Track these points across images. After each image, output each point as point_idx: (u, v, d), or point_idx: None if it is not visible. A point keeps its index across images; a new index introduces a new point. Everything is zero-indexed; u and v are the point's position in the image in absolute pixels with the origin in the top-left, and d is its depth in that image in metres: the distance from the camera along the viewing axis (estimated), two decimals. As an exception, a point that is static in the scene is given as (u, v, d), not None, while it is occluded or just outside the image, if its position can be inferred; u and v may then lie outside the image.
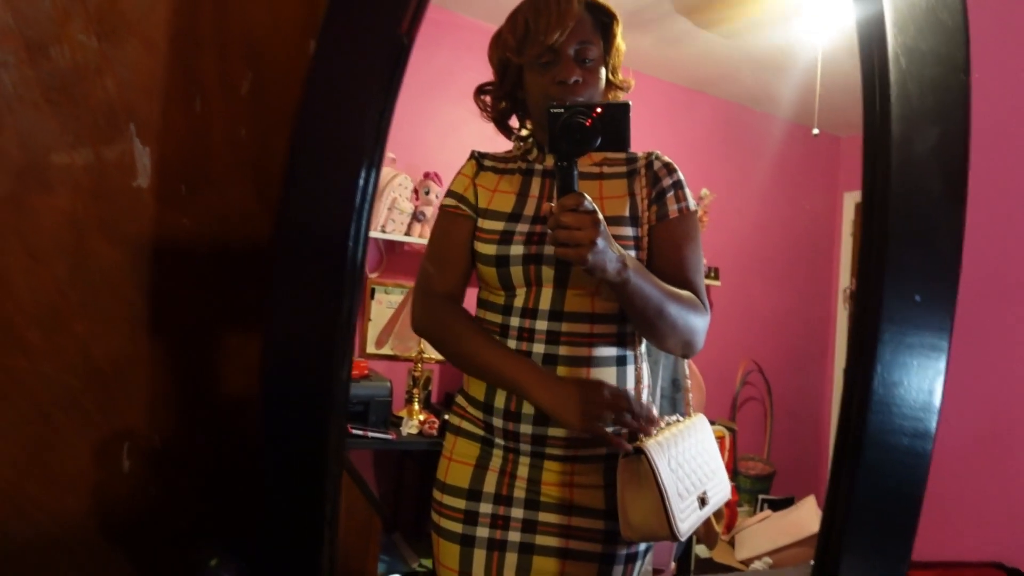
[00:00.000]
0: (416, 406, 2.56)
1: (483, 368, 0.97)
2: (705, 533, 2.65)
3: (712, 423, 3.21)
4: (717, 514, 2.64)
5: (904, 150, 0.50)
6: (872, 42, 0.51)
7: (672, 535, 0.87)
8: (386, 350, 2.69)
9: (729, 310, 3.59)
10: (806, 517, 2.96)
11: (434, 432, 2.46)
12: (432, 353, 2.68)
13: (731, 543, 3.10)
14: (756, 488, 3.57)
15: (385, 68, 0.67)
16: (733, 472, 3.45)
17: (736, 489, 3.34)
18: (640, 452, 0.89)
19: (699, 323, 0.96)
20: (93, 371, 0.78)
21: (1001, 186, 0.92)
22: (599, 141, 0.78)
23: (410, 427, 2.49)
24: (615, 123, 0.79)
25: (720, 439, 3.43)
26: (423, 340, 2.56)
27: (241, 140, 0.82)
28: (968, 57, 0.50)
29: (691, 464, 0.94)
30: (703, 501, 0.94)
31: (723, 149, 3.41)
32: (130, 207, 0.75)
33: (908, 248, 0.52)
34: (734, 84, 3.18)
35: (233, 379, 0.86)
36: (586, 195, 0.80)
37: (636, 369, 1.00)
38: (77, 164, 0.70)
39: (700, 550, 2.89)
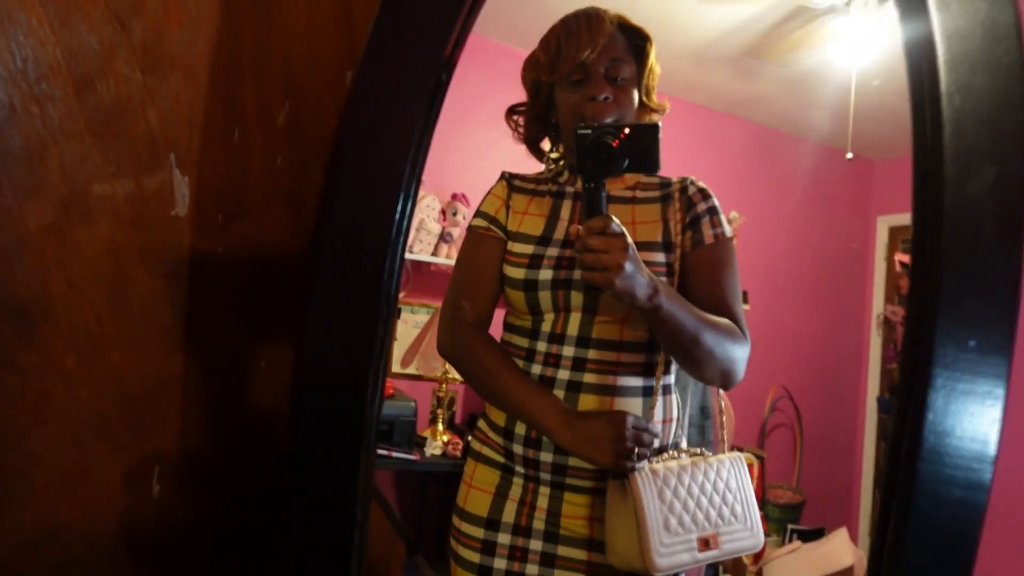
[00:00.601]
0: (440, 427, 2.56)
1: (507, 401, 0.96)
2: (733, 564, 2.59)
3: (740, 450, 3.16)
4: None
5: (957, 189, 0.48)
6: (923, 78, 0.49)
7: (646, 564, 0.84)
8: (411, 370, 2.69)
9: (759, 335, 3.51)
10: (838, 550, 2.87)
11: (457, 453, 2.45)
12: (457, 374, 2.67)
13: (759, 574, 3.01)
14: (785, 517, 3.48)
15: (423, 101, 0.67)
16: (762, 501, 3.37)
17: (765, 518, 3.25)
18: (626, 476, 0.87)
19: (738, 352, 0.93)
20: (127, 397, 0.78)
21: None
22: (627, 162, 0.76)
23: (434, 448, 2.48)
24: (644, 144, 0.76)
25: (748, 467, 3.37)
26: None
27: (277, 169, 0.83)
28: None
29: (698, 501, 0.89)
30: (707, 543, 0.88)
31: (755, 172, 3.38)
32: (168, 236, 0.76)
33: (962, 291, 0.49)
34: (767, 107, 3.16)
35: (263, 403, 0.86)
36: (614, 217, 0.78)
37: (665, 401, 0.98)
38: (118, 194, 0.71)
39: (727, 582, 2.82)
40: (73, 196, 0.69)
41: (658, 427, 0.95)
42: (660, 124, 0.79)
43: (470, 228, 1.07)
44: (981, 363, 0.51)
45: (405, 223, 0.69)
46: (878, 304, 3.59)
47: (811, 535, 3.21)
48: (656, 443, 0.91)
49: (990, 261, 0.50)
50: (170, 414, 0.82)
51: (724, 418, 2.16)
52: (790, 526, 3.45)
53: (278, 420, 0.88)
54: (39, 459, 0.74)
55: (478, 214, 1.07)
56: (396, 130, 0.67)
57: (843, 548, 2.89)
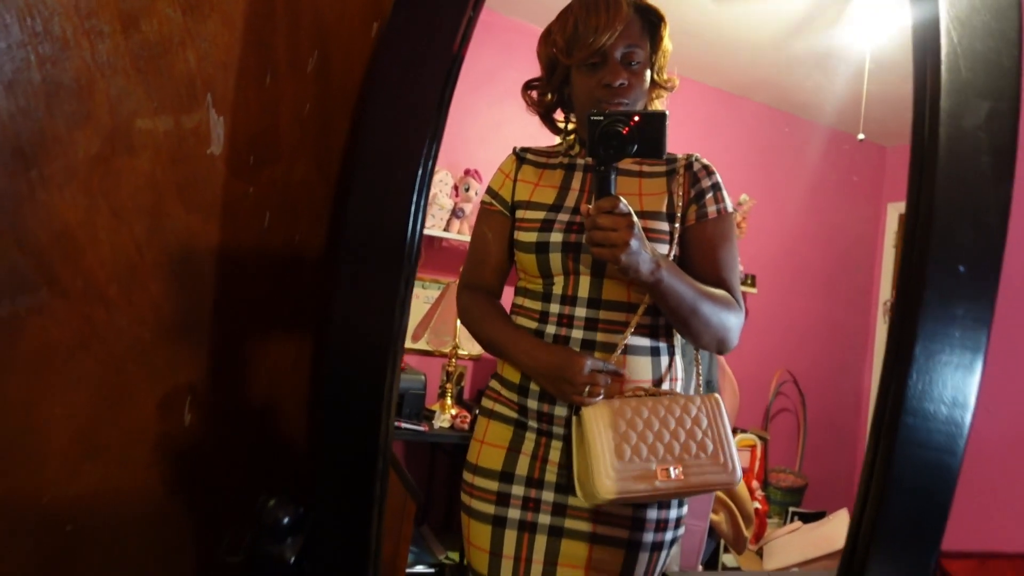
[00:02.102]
0: (449, 400, 2.60)
1: (498, 345, 1.03)
2: (733, 540, 2.63)
3: (744, 432, 3.17)
4: (747, 520, 2.62)
5: (953, 123, 0.52)
6: (924, 14, 0.52)
7: (595, 491, 0.88)
8: (422, 344, 2.74)
9: (765, 319, 3.55)
10: (837, 530, 2.91)
11: (465, 427, 2.49)
12: (466, 350, 2.71)
13: (759, 553, 3.06)
14: (787, 500, 3.52)
15: (440, 76, 0.72)
16: (764, 483, 3.41)
17: (767, 500, 3.29)
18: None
19: (733, 321, 0.98)
20: (164, 328, 0.83)
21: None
22: (635, 148, 0.82)
23: (442, 420, 2.52)
24: (652, 131, 0.83)
25: (751, 448, 3.40)
26: (458, 336, 2.61)
27: (305, 116, 0.87)
28: (1021, 32, 0.51)
29: (655, 432, 0.92)
30: (665, 475, 0.91)
31: (765, 155, 3.39)
32: (204, 174, 0.80)
33: (955, 220, 0.53)
34: (779, 90, 3.16)
35: (289, 340, 0.90)
36: (622, 198, 0.84)
37: (670, 361, 1.02)
38: (159, 130, 0.75)
39: (728, 559, 2.86)
40: (118, 129, 0.73)
41: (666, 386, 1.00)
42: (667, 113, 0.84)
43: (481, 203, 1.14)
44: (971, 288, 0.55)
45: (425, 189, 0.75)
46: (885, 291, 3.60)
47: (812, 517, 3.25)
48: (619, 382, 0.95)
49: (982, 191, 0.53)
50: (202, 346, 0.87)
51: (724, 385, 2.20)
52: (791, 508, 3.49)
53: (304, 355, 0.92)
54: (83, 382, 0.79)
55: (487, 190, 1.13)
56: (417, 104, 0.72)
57: (842, 528, 2.91)
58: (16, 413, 0.75)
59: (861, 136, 2.44)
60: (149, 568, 0.91)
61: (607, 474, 0.88)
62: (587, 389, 0.92)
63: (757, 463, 3.33)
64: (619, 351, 0.97)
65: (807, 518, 3.26)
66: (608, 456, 0.89)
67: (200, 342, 0.86)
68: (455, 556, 2.46)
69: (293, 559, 0.69)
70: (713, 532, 2.47)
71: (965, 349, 0.56)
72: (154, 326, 0.82)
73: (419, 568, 2.42)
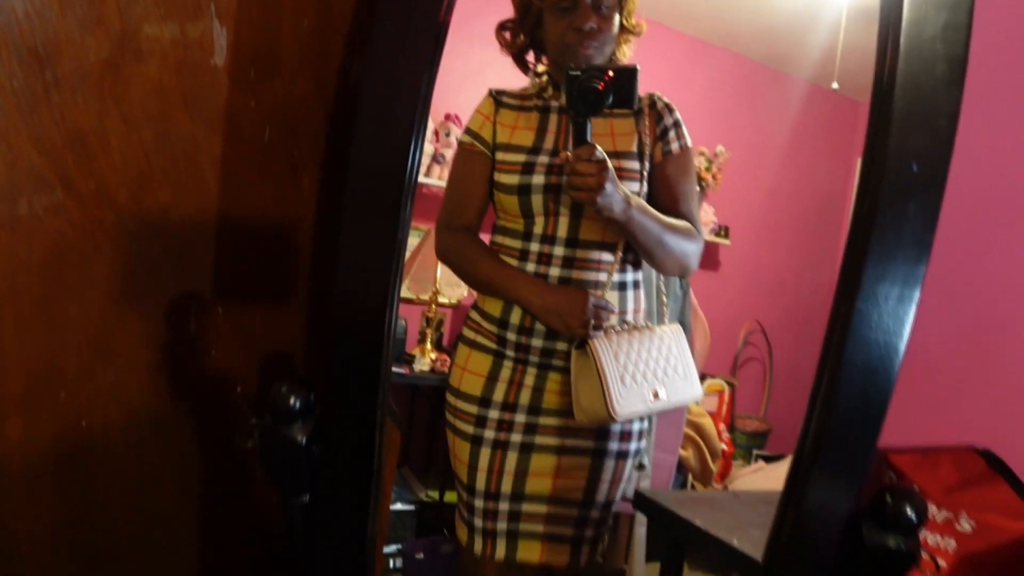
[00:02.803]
0: (428, 345, 2.66)
1: (493, 284, 1.11)
2: (700, 473, 2.77)
3: (712, 377, 3.28)
4: (713, 456, 2.75)
5: (914, 32, 0.58)
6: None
7: (609, 414, 1.02)
8: (402, 291, 2.77)
9: (736, 270, 3.67)
10: (799, 469, 3.08)
11: (445, 370, 2.56)
12: (446, 297, 2.76)
13: (724, 489, 3.22)
14: (751, 444, 3.68)
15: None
16: (731, 427, 3.56)
17: (732, 443, 3.44)
18: (586, 343, 1.04)
19: (693, 249, 1.11)
20: (171, 236, 0.86)
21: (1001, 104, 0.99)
22: (611, 100, 0.91)
23: (422, 364, 2.59)
24: (625, 85, 0.91)
25: (719, 393, 3.54)
26: (438, 283, 2.66)
27: (304, 31, 0.89)
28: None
29: (644, 361, 1.07)
30: (656, 395, 1.08)
31: (740, 107, 3.43)
32: (207, 83, 0.83)
33: (912, 122, 0.59)
34: (755, 41, 3.19)
35: (290, 252, 0.95)
36: (598, 146, 0.94)
37: (635, 295, 1.14)
38: (165, 37, 0.78)
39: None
40: (127, 34, 0.75)
41: (631, 317, 1.12)
42: (639, 68, 0.93)
43: (459, 144, 1.20)
44: (922, 187, 0.61)
45: (424, 124, 0.80)
46: (852, 244, 3.72)
47: (774, 460, 3.42)
48: (613, 319, 1.08)
49: (936, 97, 0.59)
50: (207, 258, 0.91)
51: (696, 328, 2.29)
52: (755, 451, 3.66)
53: (303, 270, 0.97)
54: (95, 282, 0.82)
55: (465, 131, 1.18)
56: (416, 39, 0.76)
57: (803, 467, 3.09)
58: (34, 309, 0.78)
59: (835, 85, 2.50)
60: (157, 464, 0.96)
61: (617, 400, 1.01)
62: (591, 323, 1.03)
63: (725, 407, 3.48)
64: (604, 288, 1.08)
65: (770, 460, 3.43)
66: (617, 384, 1.02)
67: (205, 251, 0.90)
68: (435, 494, 2.56)
69: (304, 440, 0.75)
70: (682, 467, 2.61)
71: (914, 243, 0.63)
72: (162, 234, 0.86)
73: (399, 505, 2.51)
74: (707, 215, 3.31)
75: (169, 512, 1.01)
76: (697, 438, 2.60)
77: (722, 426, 3.35)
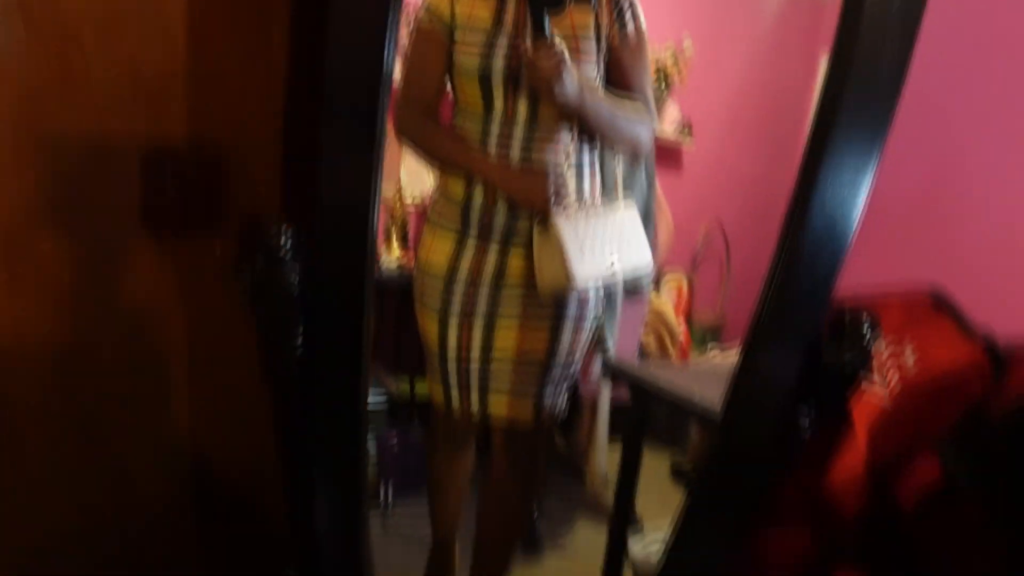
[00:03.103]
0: (395, 243, 2.66)
1: (456, 164, 1.17)
2: (660, 356, 2.92)
3: (672, 273, 3.38)
4: (672, 340, 2.89)
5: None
6: None
7: (570, 280, 1.11)
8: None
9: (698, 168, 3.70)
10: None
11: (411, 267, 2.58)
12: (410, 198, 2.74)
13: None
14: (707, 337, 3.86)
15: None
16: (688, 320, 3.72)
17: (689, 335, 3.61)
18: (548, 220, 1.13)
19: (643, 131, 1.19)
20: (140, 82, 0.83)
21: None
22: None
23: (389, 262, 2.59)
24: None
25: (679, 287, 3.68)
26: (402, 182, 2.64)
27: None
28: None
29: (601, 234, 1.16)
30: (613, 265, 1.18)
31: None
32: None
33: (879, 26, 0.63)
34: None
35: (262, 96, 0.92)
36: (556, 38, 1.01)
37: (592, 173, 1.22)
38: None
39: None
40: None
41: (587, 195, 1.21)
42: None
43: (416, 22, 1.19)
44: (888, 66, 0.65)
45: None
46: (810, 143, 3.78)
47: (729, 351, 3.61)
48: (571, 196, 1.16)
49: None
50: (179, 105, 0.88)
51: (659, 219, 2.35)
52: (710, 344, 3.85)
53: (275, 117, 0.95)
54: (67, 123, 0.80)
55: (424, 8, 1.17)
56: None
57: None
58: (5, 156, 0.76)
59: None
60: (146, 321, 0.97)
61: (577, 268, 1.10)
62: (552, 201, 1.11)
63: (683, 301, 3.62)
64: (562, 168, 1.15)
65: (725, 351, 3.62)
66: (576, 254, 1.10)
67: (177, 101, 0.88)
68: (405, 388, 2.64)
69: (296, 281, 0.77)
70: (643, 351, 2.74)
71: (879, 112, 0.68)
72: (132, 81, 0.83)
73: (371, 398, 2.59)
74: (672, 112, 3.30)
75: (159, 370, 1.04)
76: (658, 324, 2.73)
77: (680, 318, 3.49)
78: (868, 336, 0.77)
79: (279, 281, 0.77)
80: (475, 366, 1.27)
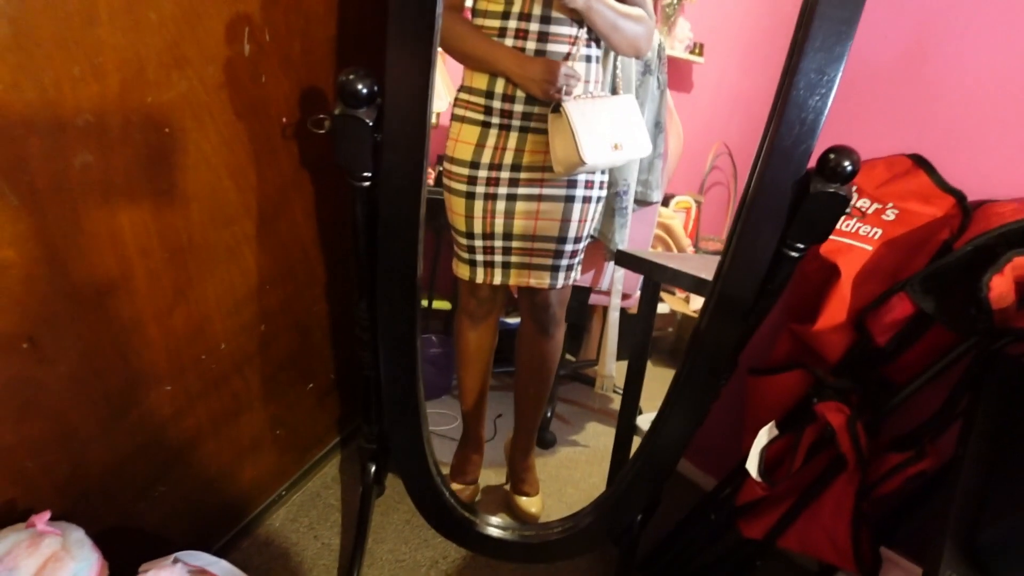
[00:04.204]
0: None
1: (479, 57, 1.29)
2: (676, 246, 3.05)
3: (681, 196, 3.48)
4: (679, 250, 3.02)
5: None
6: None
7: (580, 160, 1.24)
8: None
9: (708, 90, 3.75)
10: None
11: (431, 182, 2.70)
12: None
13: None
14: (713, 261, 3.98)
15: None
16: (695, 243, 3.84)
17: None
18: (560, 106, 1.26)
19: (642, 32, 1.32)
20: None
21: None
22: None
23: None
24: None
25: (687, 209, 3.78)
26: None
27: None
28: None
29: (606, 120, 1.28)
30: (617, 147, 1.30)
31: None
32: None
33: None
34: None
35: None
36: None
37: (597, 66, 1.34)
38: None
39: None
40: None
41: (593, 86, 1.33)
42: None
43: None
44: None
45: None
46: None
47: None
48: (580, 87, 1.29)
49: None
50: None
51: (670, 128, 2.46)
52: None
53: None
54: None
55: None
56: None
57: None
58: (123, 14, 0.89)
59: None
60: (222, 171, 1.12)
61: (587, 147, 1.24)
62: (564, 88, 1.24)
63: (691, 224, 3.74)
64: (572, 59, 1.27)
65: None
66: (586, 135, 1.24)
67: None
68: (424, 302, 2.80)
69: (372, 123, 0.91)
70: (652, 262, 2.88)
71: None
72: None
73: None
74: (683, 31, 3.33)
75: (233, 214, 1.19)
76: (666, 237, 2.86)
77: (688, 240, 3.61)
78: (851, 168, 0.90)
79: (356, 120, 0.91)
80: (498, 243, 1.43)
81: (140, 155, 0.98)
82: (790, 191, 0.93)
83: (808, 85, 0.84)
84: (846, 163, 0.91)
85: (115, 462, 1.18)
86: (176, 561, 1.06)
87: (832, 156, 0.91)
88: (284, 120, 1.19)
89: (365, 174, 0.98)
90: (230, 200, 1.16)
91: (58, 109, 0.85)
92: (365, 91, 0.90)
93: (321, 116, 0.95)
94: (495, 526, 1.42)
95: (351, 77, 0.89)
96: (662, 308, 3.46)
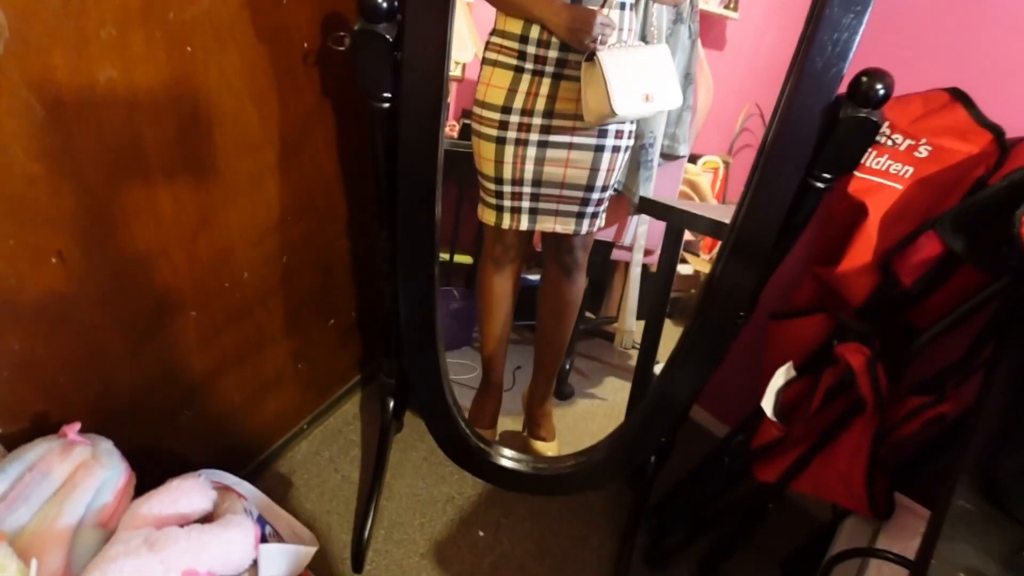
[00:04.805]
0: (440, 110, 2.74)
1: (516, 4, 1.27)
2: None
3: (710, 156, 3.41)
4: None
5: None
6: None
7: (611, 111, 1.21)
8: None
9: (741, 48, 3.64)
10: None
11: (455, 135, 2.68)
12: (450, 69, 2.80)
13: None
14: (740, 224, 3.92)
15: None
16: (722, 203, 3.78)
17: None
18: (594, 55, 1.23)
19: None
20: None
21: None
22: None
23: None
24: None
25: (715, 170, 3.72)
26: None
27: None
28: None
29: (638, 69, 1.25)
30: (648, 98, 1.26)
31: None
32: None
33: None
34: None
35: None
36: None
37: (631, 14, 1.32)
38: None
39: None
40: None
41: (626, 35, 1.31)
42: None
43: None
44: None
45: None
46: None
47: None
48: (614, 35, 1.26)
49: None
50: None
51: (699, 79, 2.40)
52: (743, 230, 3.91)
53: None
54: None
55: None
56: None
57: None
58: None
59: None
60: (243, 94, 1.12)
61: (618, 96, 1.22)
62: (599, 37, 1.22)
63: (719, 183, 3.68)
64: (608, 7, 1.26)
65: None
66: (618, 85, 1.22)
67: None
68: (445, 255, 2.80)
69: (392, 39, 0.90)
70: (677, 218, 2.84)
71: None
72: None
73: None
74: (718, -16, 3.22)
75: (256, 142, 1.20)
76: (691, 193, 2.81)
77: (716, 200, 3.56)
78: (884, 92, 0.87)
79: (376, 35, 0.90)
80: (527, 189, 1.42)
81: (163, 74, 0.99)
82: (819, 117, 0.90)
83: (843, 1, 0.81)
84: (879, 86, 0.87)
85: (143, 384, 1.22)
86: (201, 476, 1.10)
87: (865, 79, 0.88)
88: (305, 46, 1.18)
89: (385, 95, 0.97)
90: (252, 127, 1.17)
91: (81, 19, 0.86)
92: (385, 5, 0.89)
93: (340, 33, 0.94)
94: (509, 458, 1.45)
95: (372, -10, 0.88)
96: (685, 269, 3.42)
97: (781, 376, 1.24)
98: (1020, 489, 0.77)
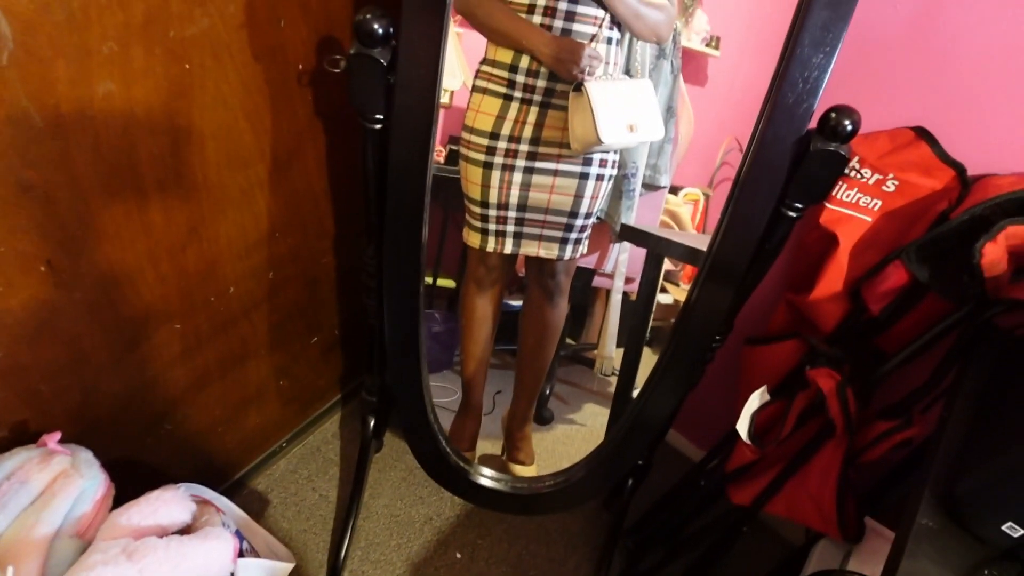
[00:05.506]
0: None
1: (509, 35, 1.32)
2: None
3: (691, 188, 3.51)
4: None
5: None
6: None
7: (597, 139, 1.26)
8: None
9: (722, 84, 3.76)
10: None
11: (441, 160, 2.73)
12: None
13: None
14: (719, 254, 3.99)
15: None
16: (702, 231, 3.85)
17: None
18: (581, 85, 1.29)
19: (663, 19, 1.35)
20: None
21: None
22: None
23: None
24: None
25: (695, 202, 3.81)
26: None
27: None
28: None
29: (623, 100, 1.31)
30: (632, 128, 1.32)
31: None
32: None
33: None
34: None
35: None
36: None
37: (617, 49, 1.37)
38: None
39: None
40: None
41: (612, 68, 1.36)
42: None
43: None
44: None
45: None
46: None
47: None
48: (601, 68, 1.32)
49: None
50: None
51: (681, 113, 2.48)
52: (722, 260, 3.97)
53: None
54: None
55: None
56: None
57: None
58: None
59: None
60: (236, 106, 1.15)
61: (604, 126, 1.27)
62: (587, 68, 1.27)
63: (699, 215, 3.76)
64: (596, 40, 1.30)
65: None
66: (604, 114, 1.27)
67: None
68: (428, 279, 2.83)
69: (386, 63, 0.94)
70: (658, 246, 2.90)
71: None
72: None
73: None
74: (700, 23, 3.34)
75: (248, 157, 1.22)
76: (672, 224, 2.88)
77: (695, 231, 3.63)
78: (851, 128, 0.92)
79: (371, 59, 0.93)
80: (512, 213, 1.46)
81: (160, 89, 1.01)
82: (791, 149, 0.95)
83: (813, 42, 0.86)
84: (846, 122, 0.93)
85: (125, 394, 1.22)
86: (180, 488, 1.10)
87: (833, 115, 0.94)
88: (301, 67, 1.21)
89: (377, 116, 1.01)
90: (245, 143, 1.19)
91: (84, 34, 0.88)
92: (381, 31, 0.93)
93: (336, 56, 0.98)
94: (488, 476, 1.46)
95: (368, 16, 0.92)
96: (666, 299, 3.48)
97: (756, 399, 1.28)
98: (979, 507, 0.81)
